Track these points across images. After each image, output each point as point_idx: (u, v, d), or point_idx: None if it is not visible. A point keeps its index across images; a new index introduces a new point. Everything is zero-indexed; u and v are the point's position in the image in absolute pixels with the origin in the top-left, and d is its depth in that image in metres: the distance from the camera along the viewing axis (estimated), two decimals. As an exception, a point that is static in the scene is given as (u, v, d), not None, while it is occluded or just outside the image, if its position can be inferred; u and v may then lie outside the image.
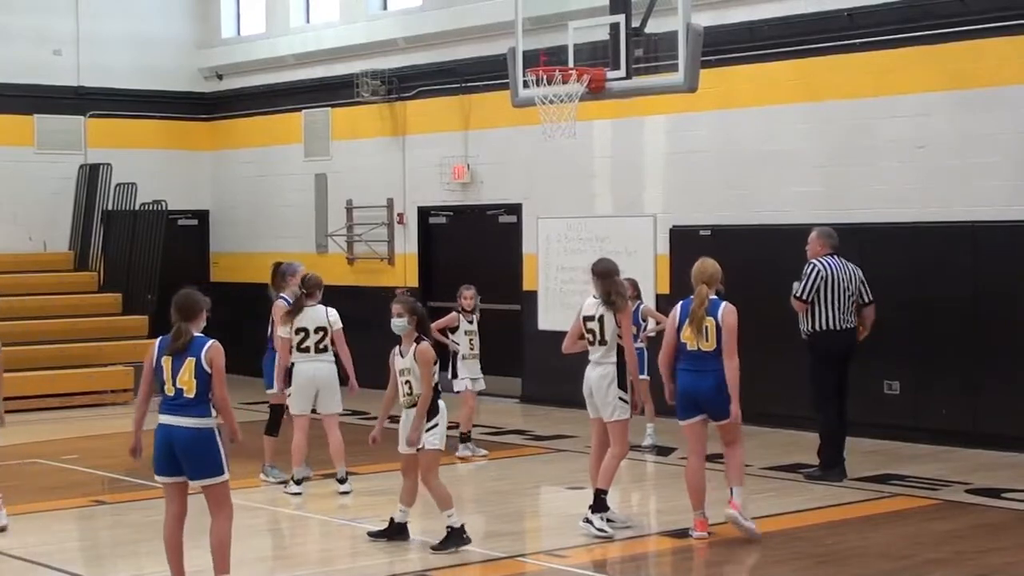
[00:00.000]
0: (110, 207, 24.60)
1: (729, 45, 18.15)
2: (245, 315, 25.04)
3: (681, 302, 12.15)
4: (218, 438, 9.89)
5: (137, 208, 24.37)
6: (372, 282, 23.25)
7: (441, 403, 11.69)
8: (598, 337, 12.32)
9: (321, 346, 14.17)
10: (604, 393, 12.27)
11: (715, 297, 11.93)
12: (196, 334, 9.98)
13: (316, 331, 14.15)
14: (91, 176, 24.76)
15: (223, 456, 9.93)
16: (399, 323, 11.81)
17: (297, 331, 14.08)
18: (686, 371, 11.97)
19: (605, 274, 12.45)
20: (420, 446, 11.60)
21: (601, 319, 12.30)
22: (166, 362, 9.94)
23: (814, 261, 14.77)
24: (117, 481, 14.32)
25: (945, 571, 11.05)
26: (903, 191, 17.07)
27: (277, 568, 11.29)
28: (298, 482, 14.15)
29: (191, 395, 9.82)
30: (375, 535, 11.90)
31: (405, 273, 23.13)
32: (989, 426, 16.23)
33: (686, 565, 11.60)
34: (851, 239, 17.36)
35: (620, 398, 12.23)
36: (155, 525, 12.70)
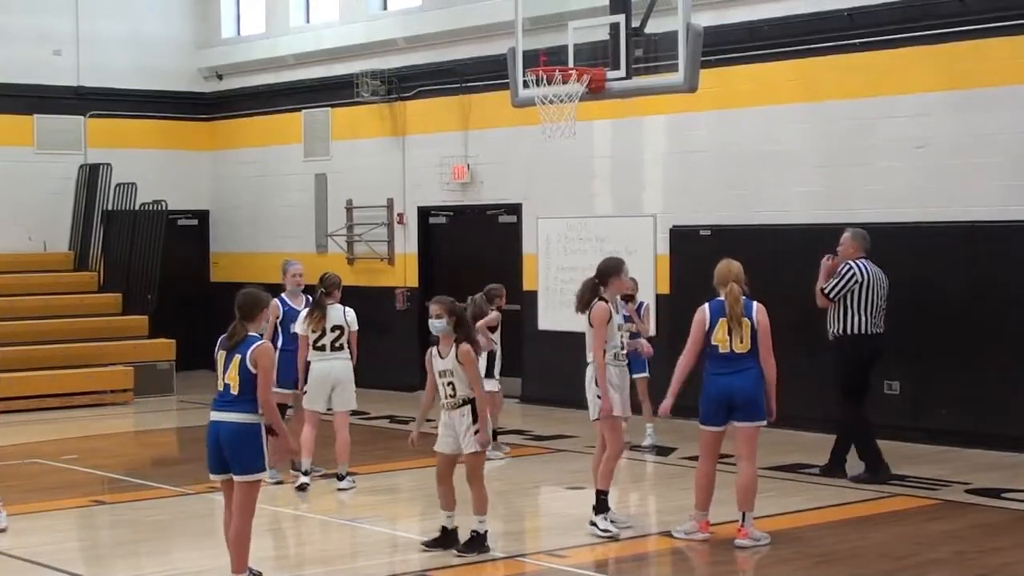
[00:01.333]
0: (110, 207, 24.60)
1: (729, 45, 18.15)
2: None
3: (708, 304, 11.94)
4: (263, 436, 10.06)
5: (137, 208, 24.37)
6: (372, 282, 23.25)
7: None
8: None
9: (337, 344, 14.28)
10: (587, 393, 12.29)
11: (745, 297, 11.85)
12: (251, 334, 10.14)
13: (333, 329, 14.26)
14: (91, 176, 24.77)
15: (264, 454, 10.09)
16: (438, 324, 11.47)
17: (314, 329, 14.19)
18: (719, 375, 11.80)
19: (596, 273, 12.39)
20: (473, 450, 11.48)
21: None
22: (220, 357, 10.18)
23: (850, 263, 14.70)
24: (117, 481, 14.33)
25: (945, 571, 11.05)
26: (903, 191, 17.07)
27: (279, 568, 11.28)
28: (305, 473, 14.22)
29: (235, 392, 10.02)
30: (429, 545, 11.67)
31: (405, 273, 23.13)
32: (989, 426, 16.22)
33: (686, 565, 11.60)
34: (851, 239, 17.40)
35: (597, 396, 12.17)
36: (155, 525, 12.78)
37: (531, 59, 16.02)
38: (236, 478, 10.04)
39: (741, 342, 11.76)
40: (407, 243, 23.17)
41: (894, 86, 17.17)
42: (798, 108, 18.12)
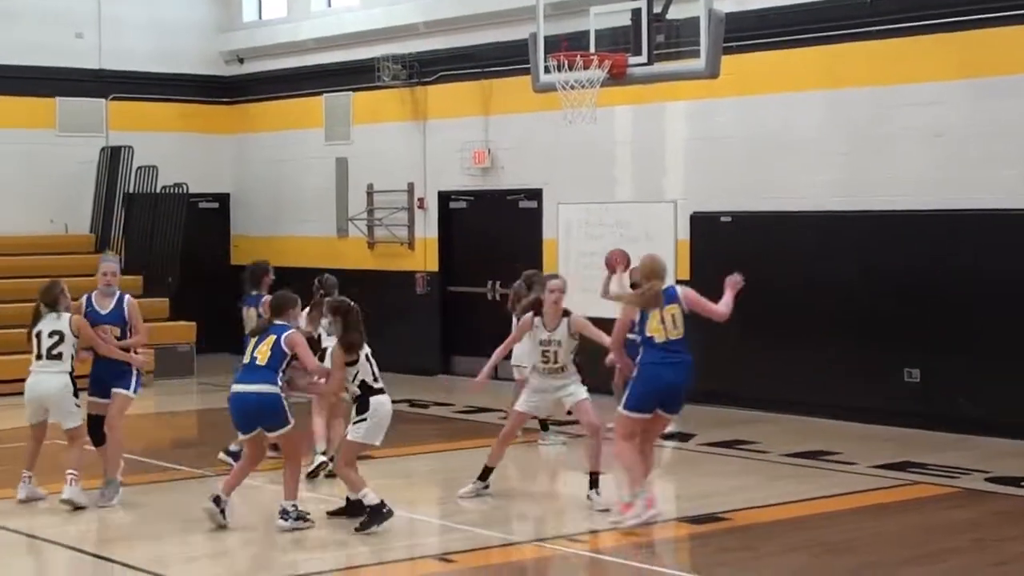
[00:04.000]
0: (131, 190, 24.66)
1: (750, 32, 18.11)
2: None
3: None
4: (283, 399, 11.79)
5: (158, 191, 24.44)
6: (392, 266, 23.28)
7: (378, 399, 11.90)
8: None
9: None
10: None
11: (668, 287, 12.14)
12: (280, 322, 11.99)
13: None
14: (112, 159, 24.82)
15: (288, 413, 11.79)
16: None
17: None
18: (657, 364, 11.97)
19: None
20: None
21: None
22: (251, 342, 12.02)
23: None
24: (137, 463, 14.35)
25: (963, 559, 11.05)
26: (922, 178, 17.04)
27: (296, 549, 11.32)
28: (323, 452, 14.33)
29: (262, 363, 11.72)
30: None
31: (425, 257, 23.15)
32: (1009, 414, 16.20)
33: (703, 551, 11.61)
34: (870, 226, 17.40)
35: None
36: (170, 506, 12.83)
37: (552, 44, 16.03)
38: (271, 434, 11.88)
39: (675, 328, 11.93)
40: (427, 227, 23.19)
41: (913, 74, 17.13)
42: (818, 95, 18.10)
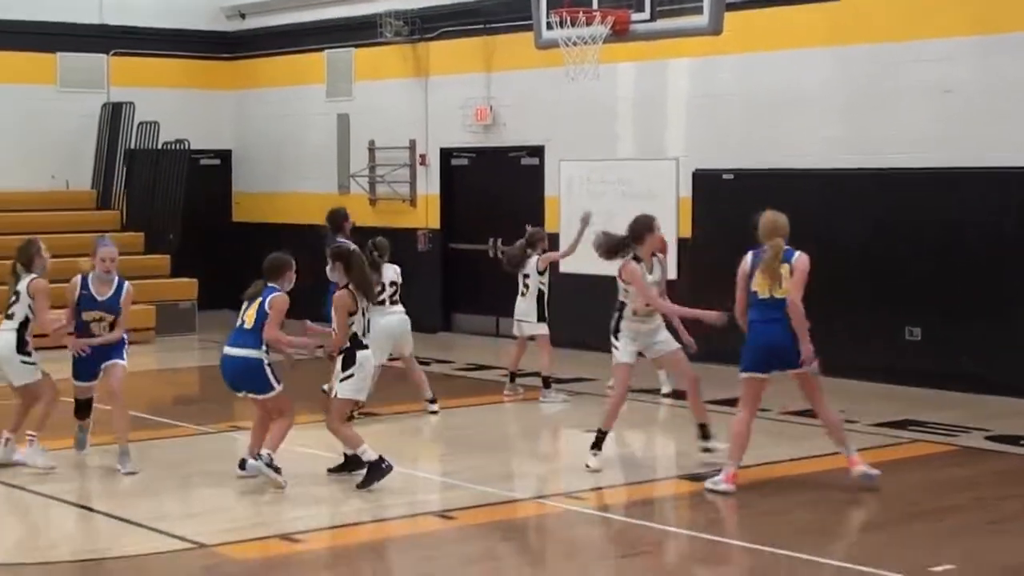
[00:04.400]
0: (133, 146, 24.61)
1: (754, -12, 18.07)
2: (267, 254, 25.10)
3: (750, 252, 11.88)
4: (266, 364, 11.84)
5: (160, 147, 24.38)
6: (394, 223, 23.24)
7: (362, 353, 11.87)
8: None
9: (395, 299, 15.08)
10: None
11: (787, 248, 11.76)
12: (271, 285, 11.95)
13: (390, 285, 15.03)
14: (114, 114, 24.76)
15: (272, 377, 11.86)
16: None
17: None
18: (760, 322, 11.71)
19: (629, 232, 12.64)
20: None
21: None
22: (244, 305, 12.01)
23: None
24: (138, 419, 14.36)
25: (963, 516, 11.07)
26: (927, 136, 16.99)
27: (295, 505, 11.34)
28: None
29: (249, 327, 11.81)
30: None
31: (427, 214, 23.13)
32: (1010, 374, 16.20)
33: (707, 508, 11.61)
34: (874, 184, 17.37)
35: (614, 346, 12.68)
36: (175, 463, 12.85)
37: (555, 0, 15.96)
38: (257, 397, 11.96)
39: (780, 287, 11.64)
40: (429, 184, 23.15)
41: (919, 30, 17.06)
42: (822, 52, 18.03)
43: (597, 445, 12.56)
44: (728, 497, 11.57)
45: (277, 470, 11.74)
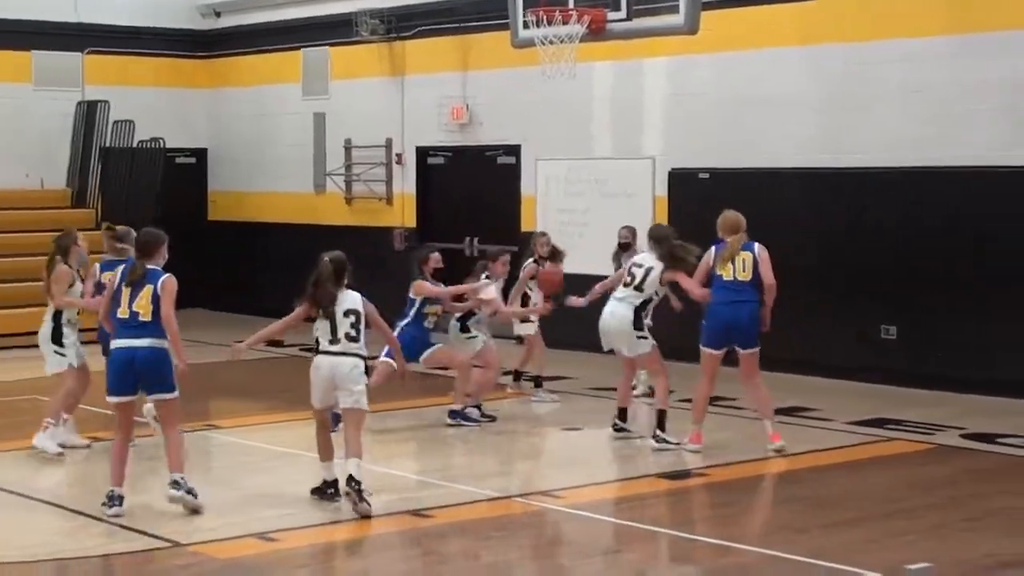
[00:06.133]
0: (108, 144, 24.53)
1: (730, -13, 18.08)
2: (242, 253, 25.04)
3: (713, 246, 13.25)
4: (171, 359, 10.90)
5: (135, 145, 24.30)
6: (370, 222, 23.22)
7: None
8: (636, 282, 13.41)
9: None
10: (621, 330, 13.40)
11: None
12: (151, 267, 11.05)
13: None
14: (89, 113, 24.68)
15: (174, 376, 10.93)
16: None
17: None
18: (723, 304, 13.10)
19: (661, 239, 13.49)
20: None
21: (649, 270, 13.37)
22: (125, 292, 10.97)
23: None
24: (102, 416, 14.30)
25: (938, 515, 11.10)
26: (900, 135, 17.03)
27: (271, 505, 11.32)
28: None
29: (147, 319, 10.82)
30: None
31: (403, 213, 23.10)
32: (984, 372, 16.25)
33: (682, 506, 11.64)
34: (848, 183, 17.43)
35: (638, 337, 13.40)
36: (150, 462, 12.81)
37: (531, -1, 15.96)
38: (153, 397, 11.10)
39: (744, 271, 12.99)
40: (405, 183, 23.12)
41: (892, 30, 17.10)
42: (797, 51, 18.06)
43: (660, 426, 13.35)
44: (704, 494, 11.60)
45: (191, 490, 11.03)
